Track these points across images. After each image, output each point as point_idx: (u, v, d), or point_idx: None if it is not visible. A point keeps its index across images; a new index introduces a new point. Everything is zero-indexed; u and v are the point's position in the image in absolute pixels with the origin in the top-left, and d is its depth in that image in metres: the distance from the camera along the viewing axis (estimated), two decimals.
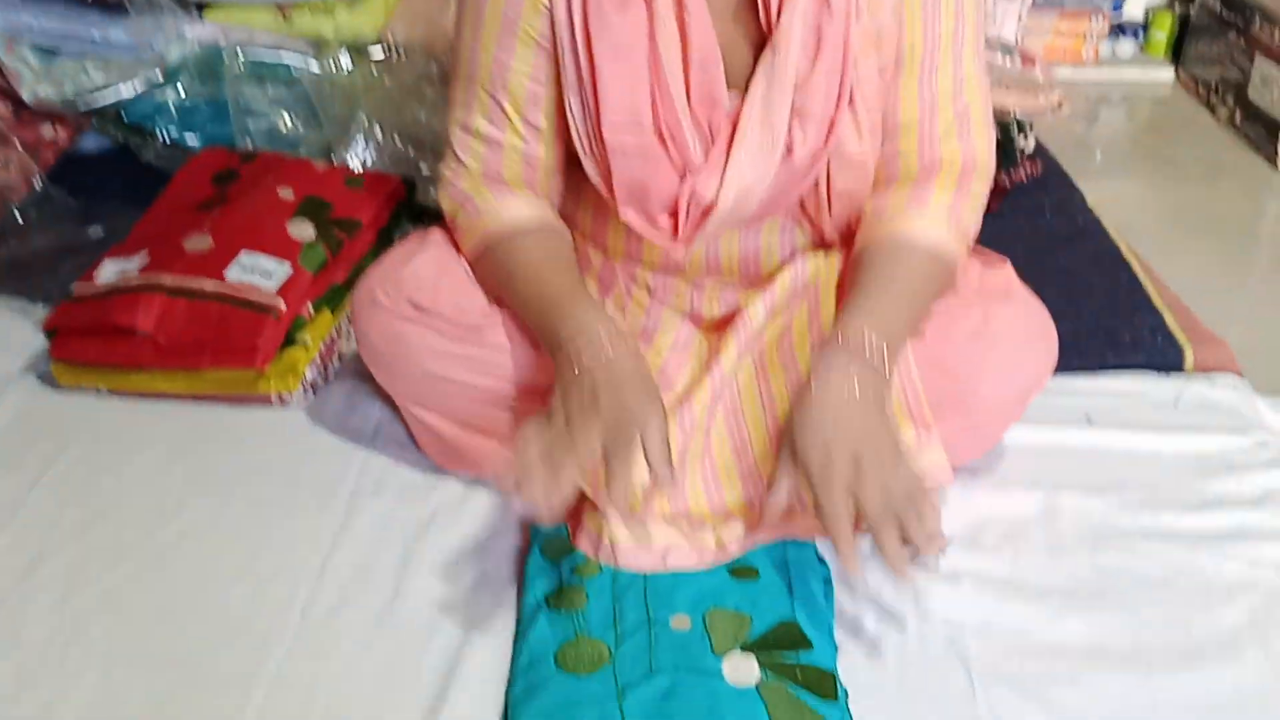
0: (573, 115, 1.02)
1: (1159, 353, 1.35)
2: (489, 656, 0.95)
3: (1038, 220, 1.66)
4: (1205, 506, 1.13)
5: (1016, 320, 1.07)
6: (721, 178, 1.00)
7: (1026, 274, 1.13)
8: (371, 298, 1.08)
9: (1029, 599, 1.01)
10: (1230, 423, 1.26)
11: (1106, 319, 1.41)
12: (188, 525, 1.10)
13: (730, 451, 1.06)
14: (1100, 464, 1.19)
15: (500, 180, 1.06)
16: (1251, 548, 1.07)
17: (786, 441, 0.93)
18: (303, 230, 1.34)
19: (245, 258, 1.29)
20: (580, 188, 1.09)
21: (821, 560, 1.03)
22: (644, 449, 0.91)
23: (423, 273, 1.07)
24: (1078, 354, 1.32)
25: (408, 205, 1.51)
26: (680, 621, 0.94)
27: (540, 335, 1.01)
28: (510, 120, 1.04)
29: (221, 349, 1.23)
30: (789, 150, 1.01)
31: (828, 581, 1.01)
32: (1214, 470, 1.18)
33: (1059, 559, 1.06)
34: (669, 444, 0.92)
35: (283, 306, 1.24)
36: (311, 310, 1.29)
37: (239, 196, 1.39)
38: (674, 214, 1.04)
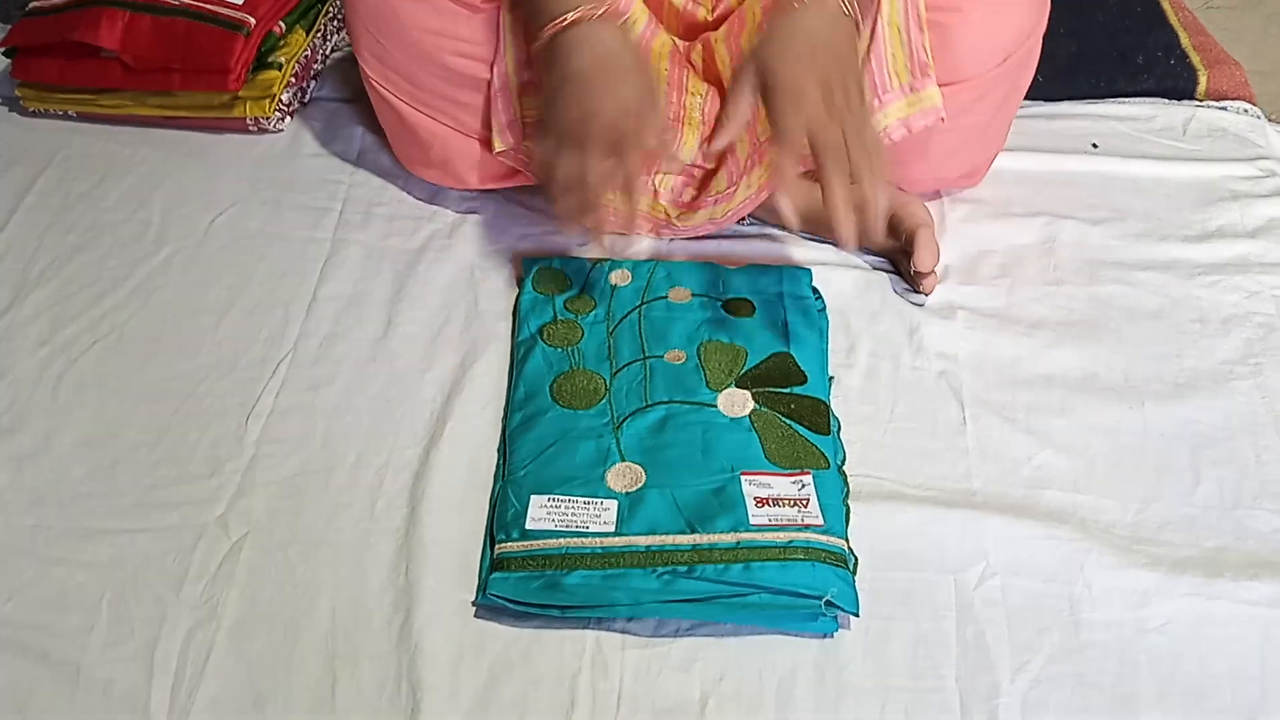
0: None
1: (1171, 76, 1.30)
2: (485, 388, 0.95)
3: None
4: (1206, 237, 1.11)
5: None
6: None
7: None
8: None
9: (1023, 331, 1.01)
10: (1238, 151, 1.22)
11: (1119, 38, 1.34)
12: (171, 256, 1.08)
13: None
14: (1102, 192, 1.16)
15: None
16: (1250, 279, 1.06)
17: (751, 58, 0.89)
18: None
19: None
20: None
21: (817, 294, 1.02)
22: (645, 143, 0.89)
23: None
24: (1087, 77, 1.27)
25: None
26: (675, 355, 0.95)
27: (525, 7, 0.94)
28: None
29: (191, 69, 1.17)
30: None
31: (822, 313, 1.00)
32: (1217, 200, 1.16)
33: (1055, 290, 1.05)
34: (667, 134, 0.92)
35: (252, 22, 1.17)
36: (284, 27, 1.21)
37: None
38: None
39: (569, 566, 0.80)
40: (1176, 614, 0.81)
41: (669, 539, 0.81)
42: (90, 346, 0.99)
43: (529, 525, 0.82)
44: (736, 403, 0.91)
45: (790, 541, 0.80)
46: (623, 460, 0.87)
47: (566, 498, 0.84)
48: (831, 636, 0.79)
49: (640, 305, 0.99)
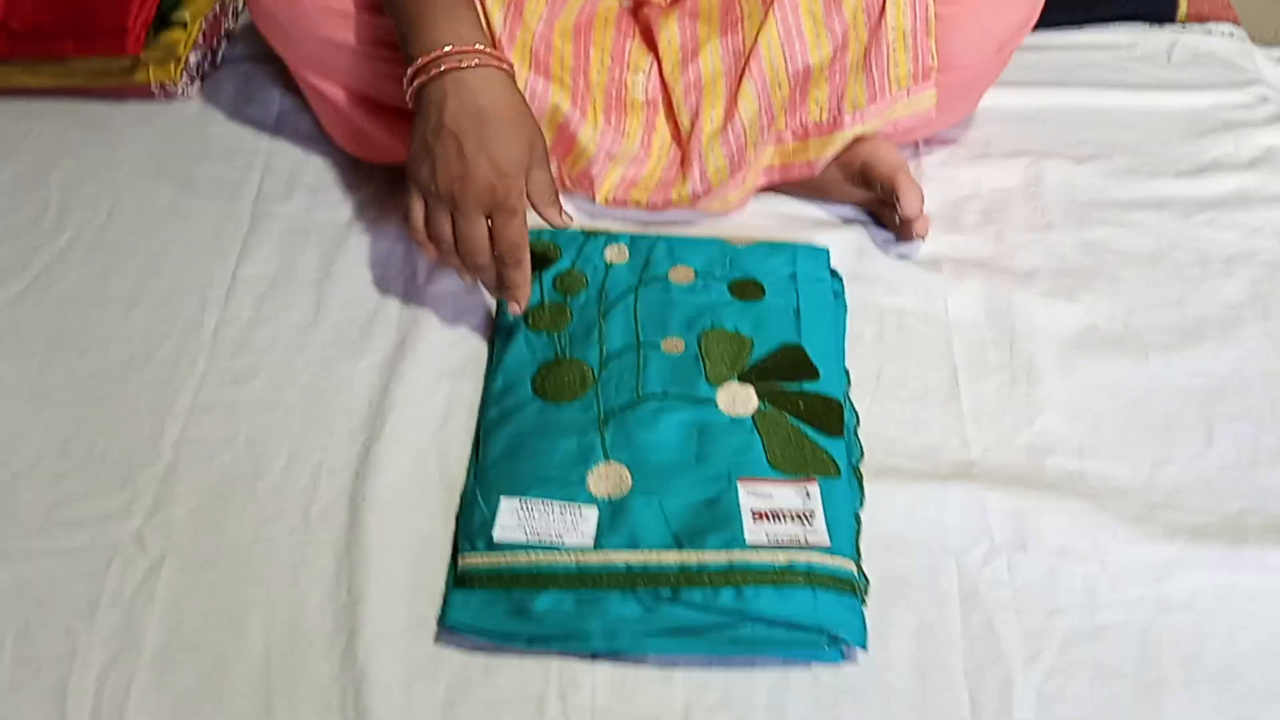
0: None
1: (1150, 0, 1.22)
2: (430, 373, 0.86)
3: None
4: (1200, 171, 1.04)
5: None
6: None
7: None
8: None
9: (1013, 282, 0.93)
10: (1227, 77, 1.15)
11: None
12: (72, 240, 0.97)
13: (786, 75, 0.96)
14: (1086, 127, 1.09)
15: None
16: (1250, 214, 0.99)
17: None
18: None
19: None
20: None
21: (835, 274, 0.93)
22: (530, 199, 0.82)
23: None
24: (1064, 6, 1.19)
25: None
26: (673, 344, 0.85)
27: (398, 31, 0.83)
28: None
29: (85, 32, 1.07)
30: None
31: (840, 298, 0.91)
32: (1209, 130, 1.09)
33: (1045, 235, 0.98)
34: (552, 184, 0.84)
35: None
36: None
37: None
38: None
39: (540, 586, 0.71)
40: (1200, 587, 0.74)
41: (653, 556, 0.72)
42: None
43: (497, 535, 0.73)
44: (739, 399, 0.81)
45: (791, 564, 0.71)
46: (607, 460, 0.77)
47: (540, 501, 0.75)
48: None
49: (637, 286, 0.90)
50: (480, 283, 0.86)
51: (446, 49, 0.80)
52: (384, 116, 0.97)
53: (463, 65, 0.79)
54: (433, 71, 0.80)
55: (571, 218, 0.85)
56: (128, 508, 0.78)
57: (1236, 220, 0.99)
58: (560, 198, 0.85)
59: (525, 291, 0.83)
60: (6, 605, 0.73)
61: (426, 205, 0.81)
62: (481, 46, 0.81)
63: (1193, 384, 0.86)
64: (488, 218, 0.81)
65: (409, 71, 0.81)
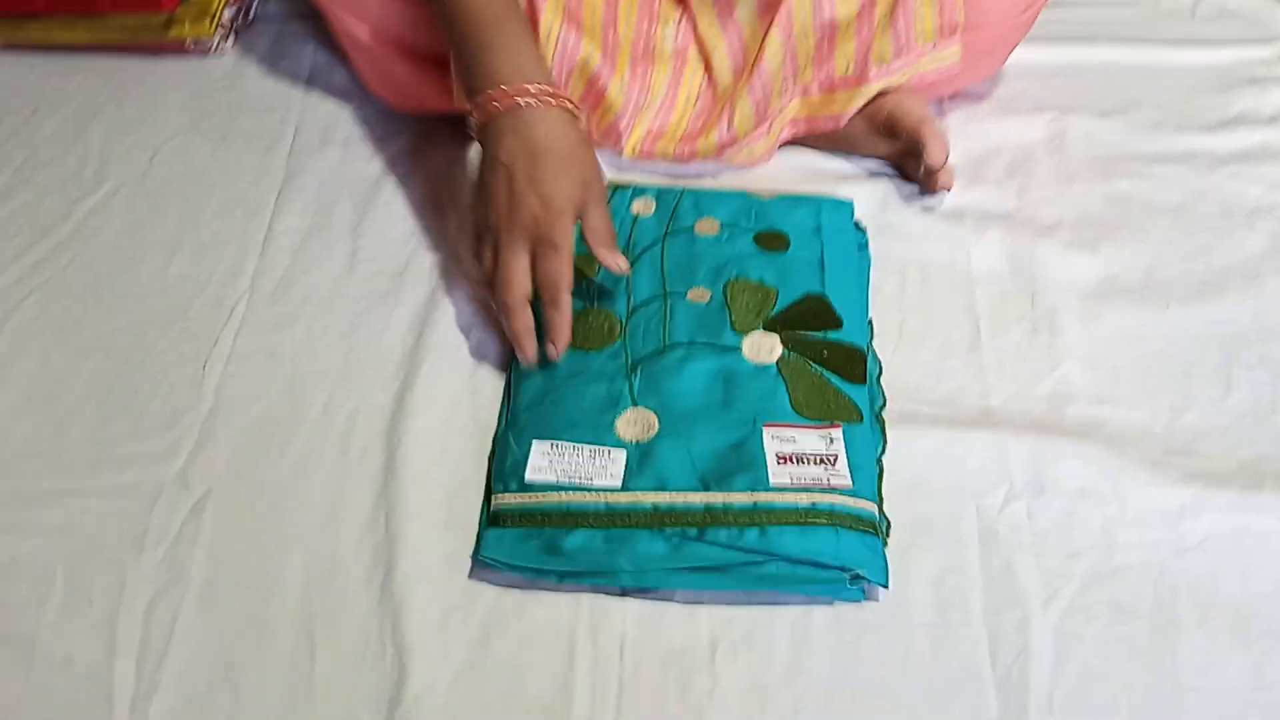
0: None
1: None
2: (460, 321, 0.88)
3: None
4: (1224, 125, 1.05)
5: None
6: None
7: None
8: None
9: (1037, 233, 0.94)
10: (1251, 32, 1.15)
11: None
12: (113, 192, 0.99)
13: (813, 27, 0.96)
14: (1111, 82, 1.09)
15: None
16: (1273, 168, 1.00)
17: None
18: None
19: None
20: None
21: (859, 226, 0.94)
22: (585, 238, 0.82)
23: None
24: None
25: None
26: (699, 294, 0.86)
27: (457, 60, 0.85)
28: None
29: None
30: None
31: (864, 249, 0.92)
32: (1233, 85, 1.09)
33: (1068, 188, 0.99)
34: (609, 225, 0.83)
35: None
36: None
37: None
38: None
39: (570, 524, 0.73)
40: (1215, 530, 0.75)
41: (679, 497, 0.74)
42: (28, 295, 0.91)
43: (529, 476, 0.75)
44: (764, 348, 0.83)
45: (814, 505, 0.73)
46: (635, 406, 0.79)
47: (571, 445, 0.77)
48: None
49: (664, 237, 0.91)
50: (509, 329, 0.81)
51: (508, 87, 0.80)
52: (415, 60, 0.97)
53: (522, 104, 0.80)
54: (491, 109, 0.80)
55: (629, 264, 0.83)
56: (172, 448, 0.80)
57: (1260, 174, 0.99)
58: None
59: (565, 335, 0.80)
60: (57, 541, 0.75)
61: (480, 237, 0.82)
62: (543, 85, 0.81)
63: (1212, 333, 0.87)
64: (532, 256, 0.79)
65: (472, 105, 0.82)
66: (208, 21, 1.10)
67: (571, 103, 0.82)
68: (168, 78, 1.10)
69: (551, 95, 0.81)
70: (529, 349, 0.80)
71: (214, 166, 1.01)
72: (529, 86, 0.80)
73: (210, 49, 1.11)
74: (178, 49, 1.11)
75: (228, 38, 1.13)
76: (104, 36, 1.11)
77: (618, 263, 0.82)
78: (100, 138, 1.04)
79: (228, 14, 1.12)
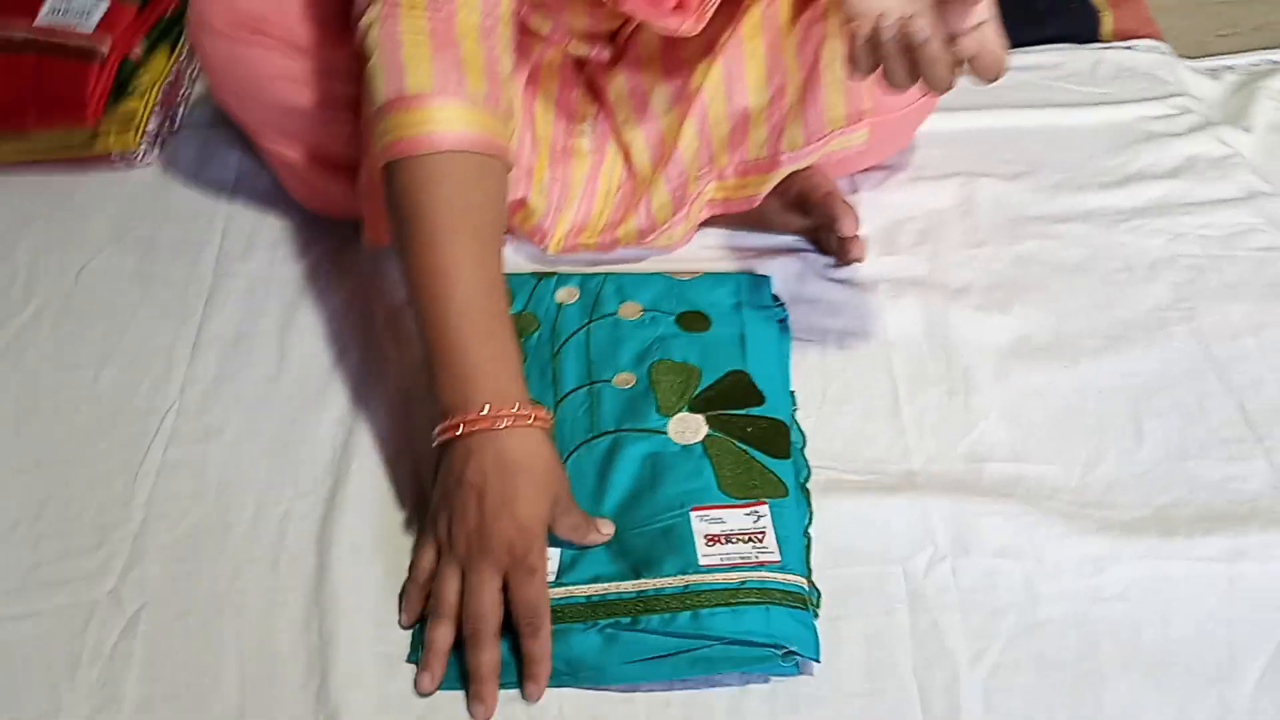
0: None
1: (1074, 20, 1.28)
2: (391, 415, 0.89)
3: None
4: (1125, 182, 1.09)
5: None
6: None
7: None
8: (201, 21, 0.94)
9: (949, 297, 0.97)
10: (1149, 90, 1.20)
11: None
12: (39, 310, 0.99)
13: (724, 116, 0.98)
14: (1016, 146, 1.13)
15: (450, 23, 0.79)
16: (1173, 220, 1.04)
17: None
18: None
19: None
20: None
21: (778, 300, 0.97)
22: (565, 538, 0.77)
23: None
24: None
25: None
26: (624, 379, 0.88)
27: (427, 354, 0.78)
28: None
29: (45, 105, 1.10)
30: None
31: (784, 324, 0.95)
32: (1133, 142, 1.13)
33: (978, 251, 1.02)
34: (579, 517, 0.77)
35: (104, 49, 1.09)
36: (141, 51, 1.14)
37: None
38: None
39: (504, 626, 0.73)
40: (1133, 578, 0.77)
41: (612, 587, 0.75)
42: None
43: None
44: (689, 428, 0.84)
45: (744, 583, 0.74)
46: None
47: None
48: None
49: (587, 324, 0.93)
50: (472, 663, 0.72)
51: (484, 410, 0.74)
52: (341, 173, 0.99)
53: (495, 427, 0.74)
54: (462, 431, 0.75)
55: (613, 528, 0.78)
56: (103, 567, 0.80)
57: (1160, 227, 1.03)
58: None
59: (545, 668, 0.72)
60: None
61: (439, 559, 0.75)
62: (518, 407, 0.75)
63: (1122, 385, 0.90)
64: (503, 583, 0.73)
65: (441, 420, 0.76)
66: (133, 133, 1.12)
67: (543, 419, 0.77)
68: (94, 190, 1.12)
69: (526, 416, 0.76)
70: (489, 697, 0.71)
71: (141, 277, 1.02)
72: (509, 410, 0.75)
73: (136, 160, 1.13)
74: (104, 161, 1.13)
75: (154, 147, 1.14)
76: (30, 154, 1.12)
77: (605, 534, 0.78)
78: (27, 255, 1.05)
79: (153, 124, 1.14)
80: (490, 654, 0.72)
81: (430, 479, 0.81)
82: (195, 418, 0.90)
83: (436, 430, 0.77)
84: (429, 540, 0.76)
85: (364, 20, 0.80)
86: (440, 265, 0.76)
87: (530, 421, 0.76)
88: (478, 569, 0.73)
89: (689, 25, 0.90)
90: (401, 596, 0.77)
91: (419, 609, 0.76)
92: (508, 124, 0.81)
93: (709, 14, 0.91)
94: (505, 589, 0.73)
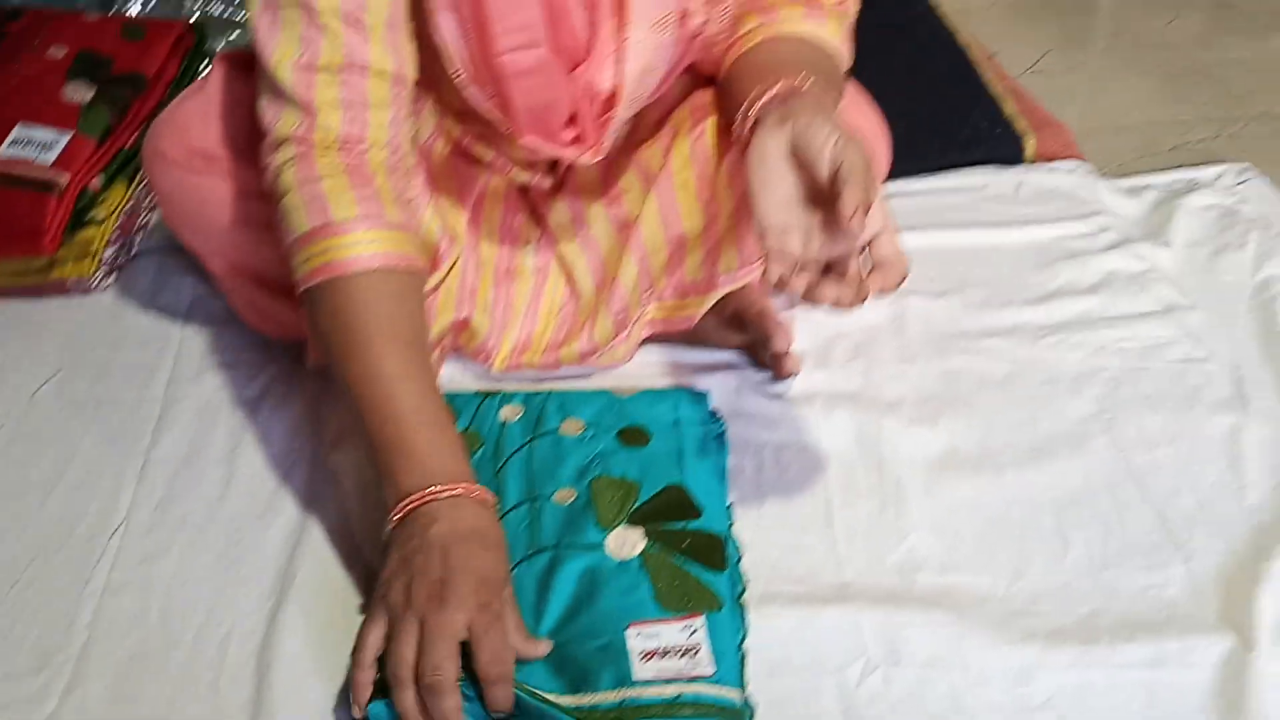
0: (444, 41, 0.86)
1: (998, 145, 1.34)
2: (335, 532, 0.91)
3: (869, 9, 1.59)
4: (1047, 298, 1.13)
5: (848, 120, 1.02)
6: (618, 60, 0.90)
7: (859, 68, 1.07)
8: (156, 152, 0.97)
9: (881, 411, 1.01)
10: (1070, 209, 1.26)
11: (944, 116, 1.38)
12: None
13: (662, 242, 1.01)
14: (944, 264, 1.18)
15: (363, 161, 0.86)
16: (1094, 335, 1.08)
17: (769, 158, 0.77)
18: (80, 92, 1.22)
19: (19, 131, 1.17)
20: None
21: (715, 415, 0.99)
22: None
23: (207, 117, 0.96)
24: (915, 156, 1.29)
25: (198, 53, 1.37)
26: (565, 495, 0.90)
27: (376, 454, 0.82)
28: (373, 51, 0.85)
29: (4, 235, 1.13)
30: (682, 17, 0.90)
31: (721, 438, 0.98)
32: (1054, 259, 1.18)
33: (909, 367, 1.06)
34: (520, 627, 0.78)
35: (63, 181, 1.13)
36: (100, 182, 1.18)
37: (5, 62, 1.25)
38: (572, 120, 0.93)
39: None
40: (1058, 688, 0.79)
41: (551, 699, 0.75)
42: None
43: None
44: (627, 543, 0.86)
45: (679, 696, 0.75)
46: None
47: None
48: None
49: (530, 440, 0.95)
50: (439, 710, 0.72)
51: (430, 489, 0.79)
52: (288, 296, 1.01)
53: (455, 494, 0.79)
54: (425, 499, 0.79)
55: (550, 647, 0.79)
56: (43, 691, 0.80)
57: (1081, 341, 1.08)
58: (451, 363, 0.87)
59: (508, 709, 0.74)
60: None
61: (390, 628, 0.75)
62: (465, 486, 0.79)
63: (1046, 497, 0.93)
64: (465, 640, 0.74)
65: (394, 499, 0.79)
66: (89, 260, 1.15)
67: (488, 496, 0.81)
68: (50, 315, 1.14)
69: (473, 492, 0.80)
70: None
71: (93, 401, 1.04)
72: (455, 488, 0.79)
73: (92, 286, 1.15)
74: (59, 289, 1.15)
75: (110, 274, 1.17)
76: None
77: (540, 651, 0.78)
78: None
79: (109, 252, 1.17)
80: (453, 698, 0.72)
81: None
82: (141, 539, 0.91)
83: (394, 512, 0.79)
84: (378, 615, 0.76)
85: (276, 159, 0.86)
86: (384, 371, 0.82)
87: (475, 495, 0.80)
88: (439, 615, 0.73)
89: (588, 156, 0.94)
90: (346, 691, 0.77)
91: (369, 687, 0.75)
92: (423, 247, 0.89)
93: (606, 146, 0.95)
94: (465, 650, 0.73)
